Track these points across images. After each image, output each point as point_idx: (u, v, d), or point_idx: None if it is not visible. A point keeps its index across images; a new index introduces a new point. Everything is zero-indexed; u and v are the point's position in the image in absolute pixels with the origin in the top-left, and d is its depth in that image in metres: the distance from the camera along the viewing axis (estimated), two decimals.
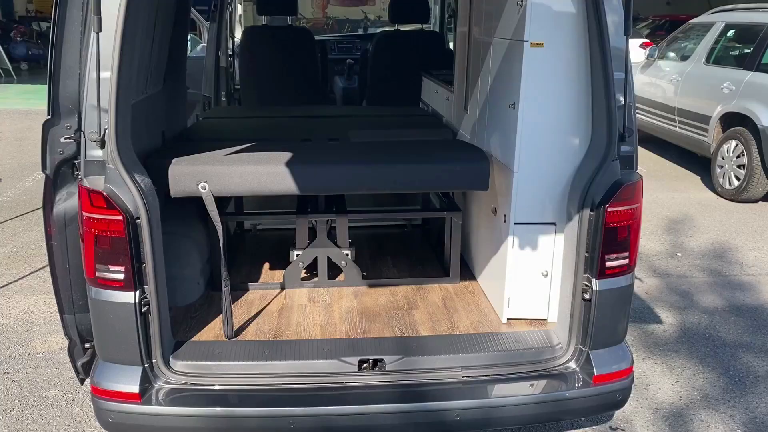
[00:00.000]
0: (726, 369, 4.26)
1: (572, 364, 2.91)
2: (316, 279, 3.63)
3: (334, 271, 3.64)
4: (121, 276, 2.68)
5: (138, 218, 2.62)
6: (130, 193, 2.60)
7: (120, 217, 2.60)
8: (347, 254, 3.58)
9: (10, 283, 5.40)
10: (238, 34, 6.69)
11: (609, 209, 2.77)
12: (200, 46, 8.20)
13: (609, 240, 2.82)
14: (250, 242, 4.29)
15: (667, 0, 22.62)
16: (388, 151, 3.36)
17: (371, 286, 3.62)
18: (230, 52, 6.08)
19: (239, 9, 6.67)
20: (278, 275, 3.76)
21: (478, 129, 3.64)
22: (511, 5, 3.02)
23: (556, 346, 2.97)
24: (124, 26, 2.50)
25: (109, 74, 2.52)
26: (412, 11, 5.68)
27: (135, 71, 2.89)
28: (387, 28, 9.44)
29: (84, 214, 2.65)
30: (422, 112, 5.00)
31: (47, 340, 4.49)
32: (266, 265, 3.93)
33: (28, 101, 13.83)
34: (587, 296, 2.86)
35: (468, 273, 3.76)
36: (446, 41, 5.89)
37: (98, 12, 2.40)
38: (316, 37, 5.86)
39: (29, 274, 5.56)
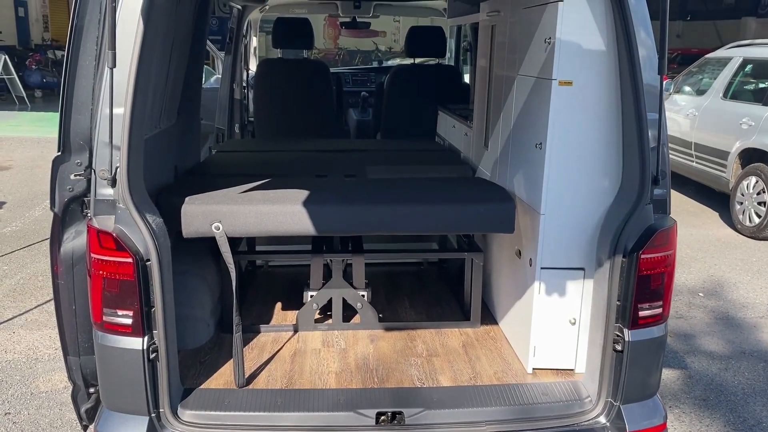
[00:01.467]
0: (758, 420, 4.06)
1: (602, 419, 2.74)
2: (330, 321, 3.49)
3: (348, 311, 3.50)
4: (129, 321, 2.55)
5: (148, 260, 2.50)
6: (140, 233, 2.48)
7: (129, 260, 2.48)
8: (363, 295, 3.44)
9: (16, 316, 5.28)
10: (253, 66, 6.65)
11: (642, 256, 2.63)
12: (214, 77, 8.19)
13: (642, 288, 2.67)
14: (261, 279, 4.16)
15: (677, 33, 22.68)
16: (408, 190, 3.24)
17: (388, 329, 3.47)
18: (244, 84, 6.03)
19: (254, 41, 6.64)
20: (291, 316, 3.62)
21: (500, 167, 3.52)
22: (537, 42, 2.92)
23: (585, 399, 2.81)
24: (139, 62, 2.41)
25: (122, 110, 2.43)
26: (428, 45, 5.61)
27: (149, 106, 2.81)
28: (402, 61, 9.44)
29: (92, 255, 2.54)
30: (439, 146, 4.90)
31: (51, 378, 4.35)
32: (278, 305, 3.79)
33: (42, 129, 13.88)
34: (619, 347, 2.70)
35: (489, 316, 3.61)
36: (462, 75, 5.82)
37: (113, 47, 2.31)
38: (331, 70, 5.80)
39: (35, 308, 5.45)
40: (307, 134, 5.52)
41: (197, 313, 3.21)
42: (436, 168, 3.96)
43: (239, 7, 5.39)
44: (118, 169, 2.46)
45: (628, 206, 2.70)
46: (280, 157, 4.33)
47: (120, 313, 2.55)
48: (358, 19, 6.50)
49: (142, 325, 2.55)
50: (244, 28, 5.74)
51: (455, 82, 5.67)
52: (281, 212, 2.89)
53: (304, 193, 3.02)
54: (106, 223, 2.51)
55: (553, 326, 3.00)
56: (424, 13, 6.40)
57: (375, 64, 7.81)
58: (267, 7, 5.93)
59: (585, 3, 2.69)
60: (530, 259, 3.02)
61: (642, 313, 2.70)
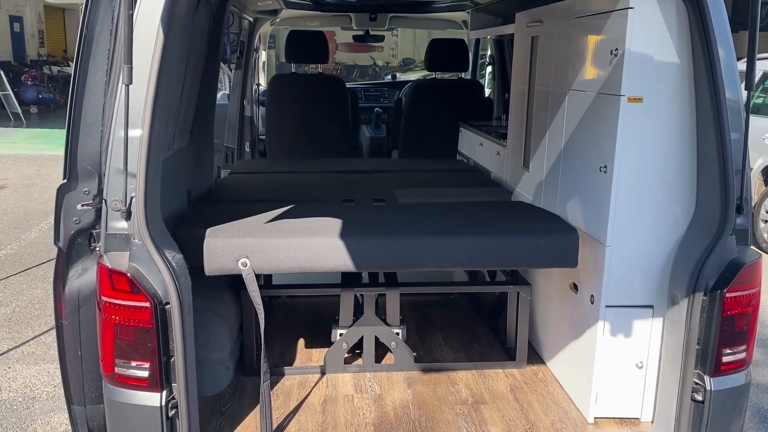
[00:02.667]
0: None
1: None
2: (360, 362, 3.16)
3: (380, 350, 3.17)
4: (145, 373, 2.22)
5: (167, 303, 2.18)
6: (159, 273, 2.16)
7: (147, 304, 2.16)
8: (398, 333, 3.11)
9: (11, 349, 4.93)
10: (262, 81, 6.35)
11: (728, 294, 2.32)
12: (220, 93, 7.88)
13: (726, 331, 2.36)
14: (280, 313, 3.83)
15: None
16: (451, 218, 2.92)
17: (425, 370, 3.14)
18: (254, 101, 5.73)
19: (263, 55, 6.34)
20: (316, 355, 3.29)
21: (546, 191, 3.21)
22: (599, 54, 2.62)
23: None
24: (158, 78, 2.11)
25: (138, 133, 2.11)
26: (450, 58, 5.32)
27: (164, 128, 2.50)
28: (418, 75, 9.16)
29: (103, 298, 2.21)
30: (465, 166, 4.59)
31: (50, 421, 3.99)
32: (301, 342, 3.46)
33: (37, 146, 13.53)
34: (699, 397, 2.39)
35: (533, 354, 3.29)
36: (484, 90, 5.54)
37: (129, 61, 2.00)
38: (347, 85, 5.50)
39: (32, 339, 5.10)
40: (321, 153, 5.22)
41: (216, 355, 2.88)
42: (469, 191, 3.65)
43: (251, 19, 5.10)
44: (134, 200, 2.14)
45: (707, 237, 2.39)
46: (298, 179, 4.01)
47: (135, 364, 2.23)
48: (372, 32, 6.22)
49: (161, 378, 2.22)
50: (255, 41, 5.45)
51: (478, 98, 5.38)
52: (315, 246, 2.57)
53: (336, 223, 2.70)
54: (120, 261, 2.19)
55: (618, 370, 2.68)
56: (441, 26, 6.12)
57: (388, 79, 7.51)
58: (278, 20, 5.64)
59: (657, 9, 2.40)
60: (591, 295, 2.70)
61: (726, 359, 2.40)
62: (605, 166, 2.57)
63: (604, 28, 2.59)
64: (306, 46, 5.20)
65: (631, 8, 2.39)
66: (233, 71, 5.46)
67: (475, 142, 4.73)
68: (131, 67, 2.01)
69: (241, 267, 2.53)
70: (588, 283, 2.73)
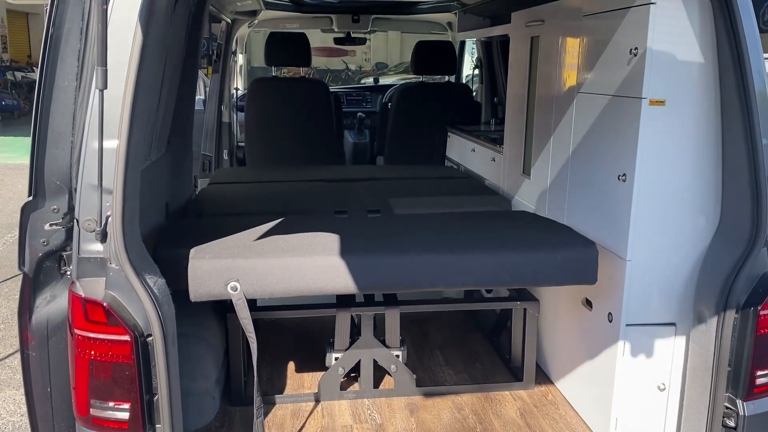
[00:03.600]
0: None
1: None
2: (357, 387, 2.93)
3: (377, 372, 2.95)
4: (125, 415, 1.97)
5: (150, 335, 1.93)
6: (139, 302, 1.91)
7: (126, 337, 1.91)
8: (398, 356, 2.89)
9: None
10: (240, 85, 6.09)
11: (762, 312, 2.15)
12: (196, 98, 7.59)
13: (760, 351, 2.19)
14: (267, 333, 3.58)
15: None
16: (455, 231, 2.70)
17: (427, 395, 2.92)
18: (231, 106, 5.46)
19: (240, 59, 6.07)
20: (309, 380, 3.05)
21: (551, 200, 3.02)
22: (615, 53, 2.44)
23: None
24: (137, 81, 1.86)
25: (114, 144, 1.87)
26: (437, 62, 5.12)
27: (143, 137, 2.24)
28: (402, 80, 8.95)
29: (76, 331, 1.96)
30: (457, 172, 4.40)
31: None
32: (291, 365, 3.22)
33: (1, 155, 13.03)
34: (731, 422, 2.22)
35: (539, 373, 3.09)
36: (473, 93, 5.36)
37: (104, 63, 1.75)
38: (331, 89, 5.26)
39: None
40: (305, 160, 4.98)
41: (201, 385, 2.62)
42: (466, 200, 3.44)
43: (229, 20, 4.85)
44: (110, 219, 1.89)
45: (736, 250, 2.22)
46: (284, 189, 3.77)
47: (113, 405, 1.97)
48: (353, 35, 5.99)
49: (143, 420, 1.97)
50: (233, 44, 5.19)
51: (467, 102, 5.19)
52: (312, 267, 2.33)
53: (332, 239, 2.47)
54: (95, 288, 1.94)
55: (639, 393, 2.50)
56: (425, 28, 5.93)
57: (370, 82, 7.29)
58: (256, 22, 5.39)
59: (680, 4, 2.22)
60: (609, 313, 2.51)
61: (759, 381, 2.23)
62: (624, 175, 2.38)
63: (620, 27, 2.40)
64: (287, 48, 4.96)
65: (652, 3, 2.21)
66: (210, 75, 5.20)
67: (467, 148, 4.54)
68: (106, 70, 1.76)
69: (231, 292, 2.29)
70: (605, 300, 2.54)
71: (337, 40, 6.07)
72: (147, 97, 2.10)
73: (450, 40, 5.53)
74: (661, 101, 2.28)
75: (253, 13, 4.91)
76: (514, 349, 3.07)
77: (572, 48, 2.82)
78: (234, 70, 5.80)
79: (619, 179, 2.41)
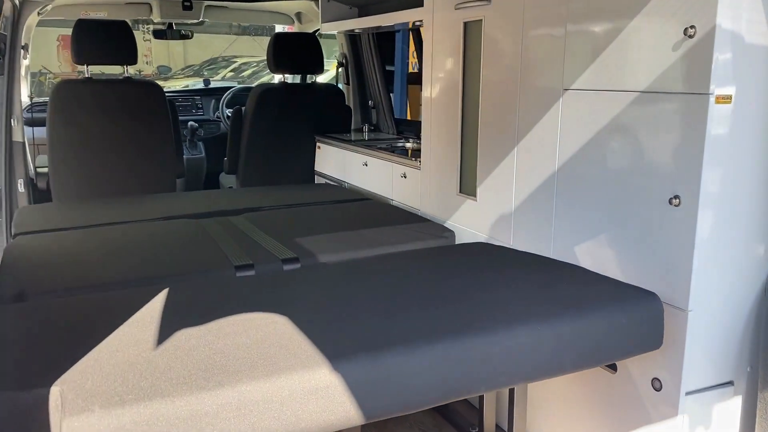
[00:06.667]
0: None
1: None
2: None
3: None
4: None
5: None
6: None
7: None
8: None
9: None
10: (25, 92, 4.65)
11: None
12: None
13: None
14: None
15: None
16: (443, 292, 1.90)
17: None
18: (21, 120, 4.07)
19: (26, 60, 4.61)
20: None
21: (519, 226, 2.37)
22: (647, 34, 1.83)
23: None
24: None
25: None
26: (301, 59, 4.24)
27: None
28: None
29: None
30: (353, 193, 3.56)
31: None
32: None
33: None
34: None
35: None
36: (345, 96, 4.57)
37: None
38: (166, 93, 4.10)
39: None
40: (140, 187, 3.83)
41: None
42: (397, 232, 2.66)
43: (16, 2, 3.54)
44: None
45: None
46: (130, 234, 2.66)
47: None
48: (177, 27, 4.89)
49: None
50: (22, 36, 3.84)
51: (338, 106, 4.40)
52: (247, 406, 1.36)
53: (263, 333, 1.53)
54: None
55: None
56: (268, 19, 5.02)
57: (200, 85, 6.13)
58: (49, 8, 4.08)
59: None
60: (655, 379, 1.90)
61: None
62: (677, 197, 1.79)
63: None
64: (104, 41, 3.76)
65: None
66: None
67: (352, 162, 3.76)
68: None
69: None
70: (648, 361, 1.93)
71: (157, 34, 4.92)
72: None
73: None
74: (728, 97, 1.71)
75: None
76: (499, 421, 2.36)
77: (548, 34, 2.18)
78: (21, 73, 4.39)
79: (671, 203, 1.80)
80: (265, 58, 4.22)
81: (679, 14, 1.74)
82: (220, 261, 2.26)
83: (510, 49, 2.38)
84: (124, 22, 3.81)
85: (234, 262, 2.23)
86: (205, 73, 12.64)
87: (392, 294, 1.87)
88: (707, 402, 1.89)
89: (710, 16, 1.66)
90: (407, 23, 3.27)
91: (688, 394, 1.86)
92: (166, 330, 1.57)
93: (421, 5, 2.98)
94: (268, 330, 1.56)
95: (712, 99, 1.69)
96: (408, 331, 1.55)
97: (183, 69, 17.28)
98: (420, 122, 2.99)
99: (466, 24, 2.64)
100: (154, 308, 1.73)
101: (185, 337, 1.53)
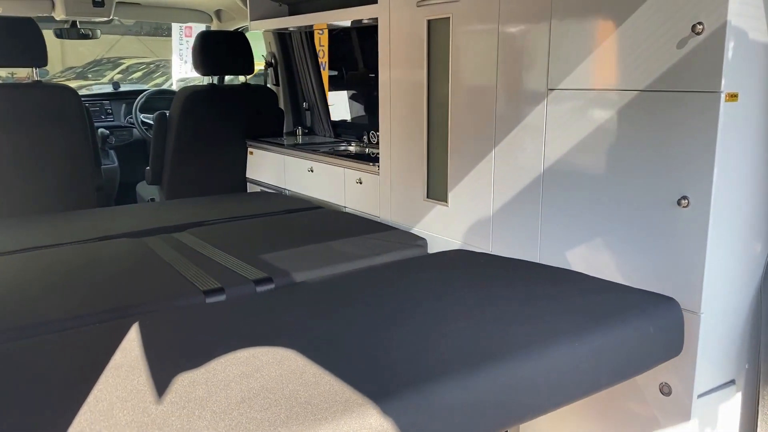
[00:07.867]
0: None
1: None
2: None
3: None
4: None
5: None
6: None
7: None
8: None
9: None
10: None
11: None
12: None
13: None
14: None
15: None
16: (454, 311, 1.76)
17: None
18: None
19: None
20: None
21: (497, 232, 2.28)
22: (646, 31, 1.78)
23: None
24: None
25: None
26: (229, 59, 3.96)
27: None
28: (153, 86, 7.28)
29: None
30: (302, 202, 3.34)
31: None
32: None
33: None
34: None
35: None
36: (278, 98, 4.31)
37: None
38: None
39: None
40: (59, 203, 3.44)
41: None
42: (369, 243, 2.50)
43: None
44: None
45: None
46: (68, 258, 2.34)
47: None
48: (80, 26, 4.46)
49: None
50: None
51: (270, 108, 4.15)
52: None
53: (262, 374, 1.36)
54: None
55: None
56: (185, 18, 4.67)
57: (108, 89, 5.63)
58: None
59: None
60: (664, 384, 1.86)
61: None
62: (685, 198, 1.75)
63: None
64: (6, 40, 3.34)
65: None
66: None
67: (294, 168, 3.55)
68: None
69: None
70: (661, 368, 1.88)
71: (58, 33, 4.46)
72: None
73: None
74: (734, 95, 1.69)
75: None
76: None
77: (530, 30, 2.10)
78: None
79: (679, 204, 1.76)
80: (155, 59, 3.95)
81: (685, 10, 1.70)
82: (183, 286, 2.02)
83: (483, 48, 2.29)
84: (30, 20, 3.40)
85: (200, 287, 2.00)
86: (90, 76, 11.82)
87: (395, 315, 1.71)
88: (714, 403, 1.87)
89: (721, 12, 1.63)
90: (360, 20, 3.11)
91: (699, 397, 1.83)
92: (161, 377, 1.34)
93: (371, 2, 2.85)
94: (282, 368, 1.36)
95: (722, 97, 1.66)
96: (445, 361, 1.40)
97: (63, 71, 16.09)
98: (360, 125, 2.85)
99: (430, 22, 2.52)
100: (131, 349, 1.49)
101: (189, 384, 1.31)
